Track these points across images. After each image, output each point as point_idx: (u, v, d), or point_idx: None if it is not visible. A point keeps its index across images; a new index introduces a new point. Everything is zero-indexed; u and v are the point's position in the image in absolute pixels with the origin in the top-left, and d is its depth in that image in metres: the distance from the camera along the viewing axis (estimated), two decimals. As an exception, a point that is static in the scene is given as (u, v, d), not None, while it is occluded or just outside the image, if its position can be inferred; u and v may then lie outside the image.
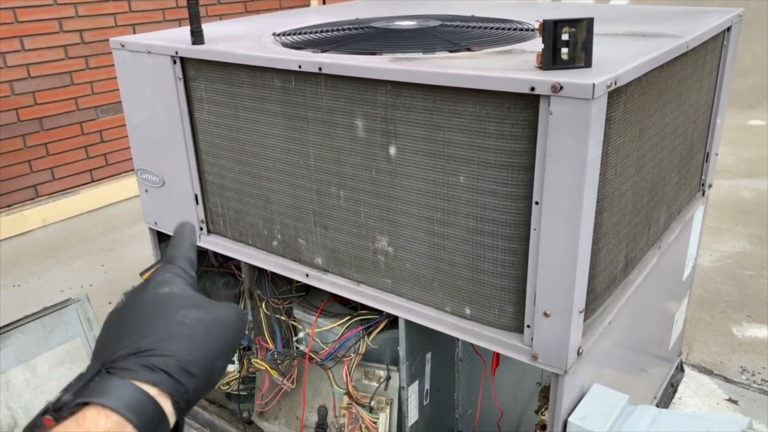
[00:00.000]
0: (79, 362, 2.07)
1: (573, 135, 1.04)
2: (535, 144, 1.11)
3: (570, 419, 1.26)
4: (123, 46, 1.71)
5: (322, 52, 1.41)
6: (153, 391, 0.52)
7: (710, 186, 2.01)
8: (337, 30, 1.67)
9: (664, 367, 2.19)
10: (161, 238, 1.96)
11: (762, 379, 2.50)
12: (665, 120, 1.45)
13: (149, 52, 1.65)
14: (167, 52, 1.60)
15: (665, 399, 2.21)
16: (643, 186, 1.42)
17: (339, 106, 1.35)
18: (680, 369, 2.40)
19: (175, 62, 1.61)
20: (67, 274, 3.51)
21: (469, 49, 1.36)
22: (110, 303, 3.23)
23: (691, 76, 1.56)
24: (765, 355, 2.64)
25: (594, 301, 1.31)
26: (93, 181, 4.20)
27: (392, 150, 1.31)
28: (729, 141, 5.25)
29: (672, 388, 2.30)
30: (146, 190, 1.87)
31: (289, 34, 1.66)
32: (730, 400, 2.39)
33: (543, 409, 1.42)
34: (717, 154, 1.97)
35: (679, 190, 1.74)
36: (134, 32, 4.09)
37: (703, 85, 1.70)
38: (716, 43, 1.72)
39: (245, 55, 1.44)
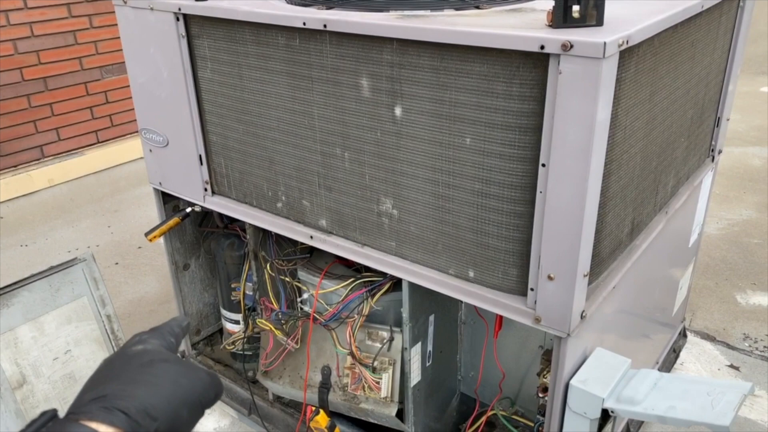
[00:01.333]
0: (86, 320, 2.09)
1: (582, 95, 1.02)
2: (544, 104, 1.08)
3: (572, 382, 1.27)
4: (125, 2, 1.68)
5: (327, 8, 1.38)
6: (109, 431, 0.51)
7: (720, 152, 1.98)
8: (343, -13, 1.63)
9: (667, 332, 2.19)
10: (166, 199, 1.96)
11: (764, 346, 2.51)
12: (677, 83, 1.42)
13: (152, 9, 1.62)
14: (170, 8, 1.57)
15: (667, 364, 2.22)
16: (652, 150, 1.40)
17: (344, 65, 1.33)
18: (683, 335, 2.41)
19: (178, 19, 1.58)
20: (73, 235, 3.53)
21: (477, 7, 1.33)
22: (116, 263, 3.25)
23: (704, 38, 1.53)
24: (768, 322, 2.64)
25: (599, 265, 1.30)
26: (99, 142, 4.19)
27: (398, 110, 1.29)
28: (740, 108, 5.17)
29: (674, 353, 2.31)
30: (150, 150, 1.86)
31: (294, -9, 1.62)
32: (731, 366, 2.40)
33: (545, 372, 1.43)
34: (728, 120, 1.94)
35: (689, 155, 1.71)
36: (138, -9, 4.02)
37: (716, 48, 1.66)
38: (732, 4, 1.68)
39: (248, 11, 1.41)
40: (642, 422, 2.04)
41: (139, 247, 3.38)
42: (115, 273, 3.18)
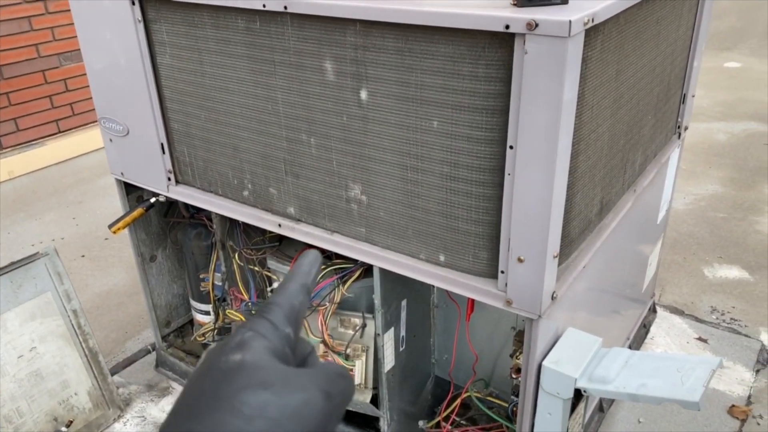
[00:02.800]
0: (51, 316, 2.04)
1: (549, 75, 1.00)
2: (510, 85, 1.07)
3: (544, 363, 1.28)
4: (77, -14, 1.61)
5: (288, -10, 1.34)
6: None
7: (686, 128, 1.99)
8: (305, -32, 1.59)
9: (638, 308, 2.22)
10: (129, 189, 1.90)
11: (731, 318, 2.56)
12: (643, 60, 1.42)
13: (105, -7, 1.55)
14: (124, -8, 1.51)
15: (638, 339, 2.25)
16: (620, 128, 1.39)
17: (307, 48, 1.29)
18: (653, 310, 2.45)
19: (133, 3, 1.52)
20: (37, 228, 3.44)
21: (442, -13, 1.30)
22: (83, 256, 3.18)
23: (669, 15, 1.52)
24: (734, 294, 2.70)
25: (568, 245, 1.30)
26: (59, 132, 4.07)
27: (363, 94, 1.26)
28: (704, 83, 5.24)
29: (645, 329, 2.34)
30: (110, 140, 1.80)
31: (253, -27, 1.57)
32: (699, 339, 2.45)
33: (518, 353, 1.43)
34: (693, 96, 1.95)
35: (655, 133, 1.72)
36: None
37: (681, 25, 1.66)
38: (696, -20, 1.68)
39: (206, -6, 1.37)
40: (614, 400, 2.07)
41: (106, 239, 3.30)
42: (81, 266, 3.11)
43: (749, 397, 2.18)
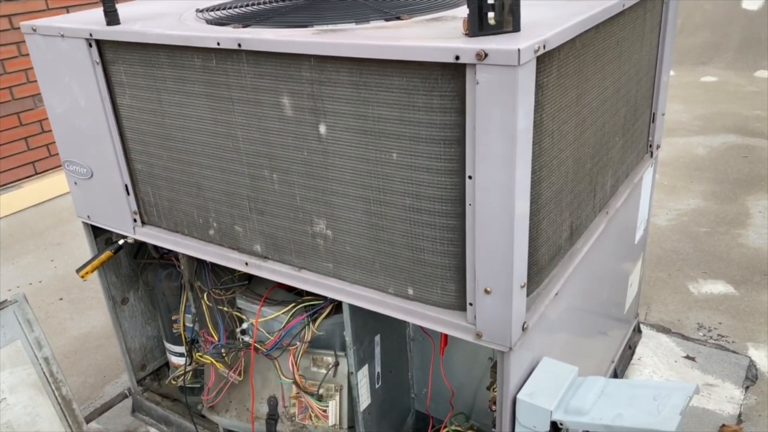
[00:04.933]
0: (21, 365, 1.98)
1: (501, 104, 0.99)
2: (465, 116, 1.05)
3: (519, 396, 1.24)
4: (35, 30, 1.59)
5: (243, 27, 1.33)
6: None
7: (658, 146, 1.98)
8: (265, 3, 1.58)
9: (621, 329, 2.19)
10: (97, 232, 1.87)
11: (718, 334, 2.53)
12: (605, 83, 1.41)
13: (63, 36, 1.54)
14: (81, 34, 1.50)
15: (624, 361, 2.22)
16: (585, 152, 1.38)
17: (263, 84, 1.27)
18: (638, 330, 2.42)
19: (90, 45, 1.50)
20: (14, 272, 3.38)
21: (398, 18, 1.29)
22: (61, 299, 3.12)
23: (630, 36, 1.52)
24: (720, 310, 2.67)
25: (538, 273, 1.27)
26: (36, 174, 4.03)
27: (322, 128, 1.24)
28: (682, 98, 5.29)
29: (630, 350, 2.31)
30: (75, 183, 1.77)
31: (212, 10, 1.57)
32: (687, 357, 2.41)
33: (494, 386, 1.39)
34: (663, 114, 1.95)
35: (625, 153, 1.71)
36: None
37: (644, 45, 1.66)
38: (655, 1, 1.68)
39: (161, 33, 1.35)
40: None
41: (85, 281, 3.24)
42: (59, 309, 3.05)
43: (740, 415, 2.14)
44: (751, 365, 2.35)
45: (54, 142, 4.04)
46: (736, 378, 2.30)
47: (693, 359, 2.40)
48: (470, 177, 1.09)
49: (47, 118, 3.95)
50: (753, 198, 3.62)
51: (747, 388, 2.25)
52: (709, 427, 2.09)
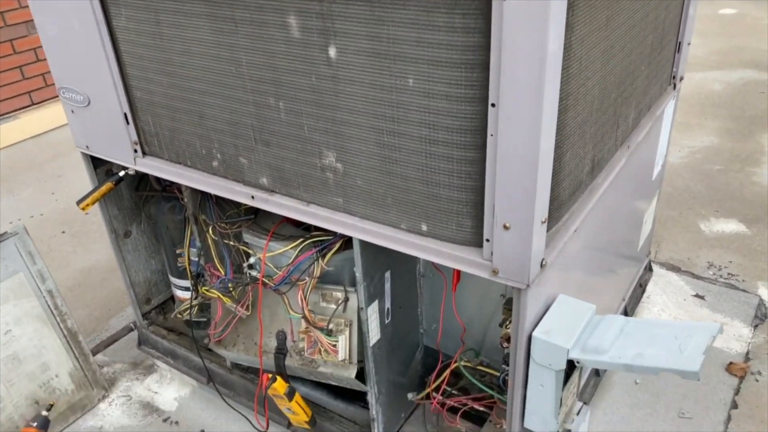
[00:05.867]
0: (25, 298, 1.96)
1: (531, 24, 0.90)
2: (490, 37, 0.97)
3: (535, 334, 1.20)
4: (21, -56, 1.48)
5: (246, -60, 1.22)
6: None
7: (681, 78, 1.89)
8: None
9: (633, 267, 2.16)
10: (97, 163, 1.80)
11: (728, 273, 2.50)
12: (636, 5, 1.31)
13: (51, -50, 1.43)
14: (71, -52, 1.39)
15: (634, 299, 2.19)
16: (611, 80, 1.30)
17: (269, 3, 1.18)
18: (649, 269, 2.38)
19: (81, -39, 1.40)
20: (14, 205, 3.34)
21: (415, -70, 1.18)
22: (63, 232, 3.09)
23: (664, -45, 1.41)
24: (731, 249, 2.64)
25: (558, 208, 1.21)
26: (33, 104, 3.93)
27: (332, 51, 1.15)
28: (699, 32, 5.10)
29: (641, 288, 2.28)
30: (72, 111, 1.70)
31: None
32: (696, 295, 2.39)
33: (507, 322, 1.36)
34: (689, 44, 1.85)
35: (650, 84, 1.62)
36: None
37: (676, -34, 1.55)
38: None
39: (157, -53, 1.24)
40: (610, 360, 2.02)
41: (87, 213, 3.20)
42: (62, 242, 3.02)
43: (747, 353, 2.13)
44: (761, 304, 2.33)
45: (50, 72, 3.92)
46: (745, 316, 2.28)
47: (702, 298, 2.38)
48: (493, 105, 1.01)
49: (42, 46, 3.83)
50: (769, 135, 3.52)
51: (756, 326, 2.24)
52: (717, 364, 2.08)
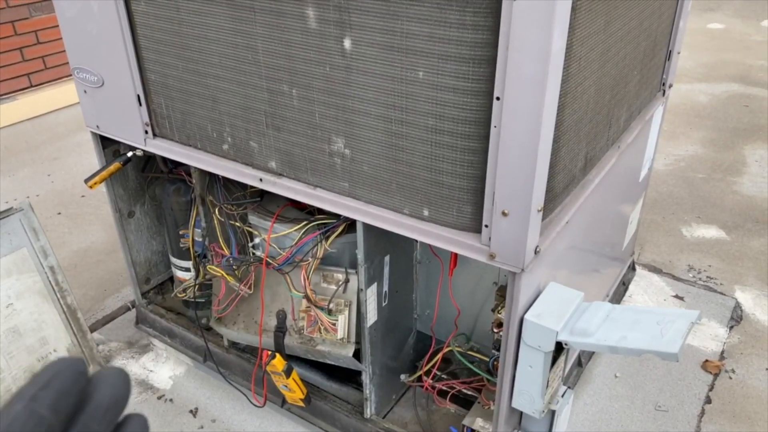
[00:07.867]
0: (27, 273, 2.00)
1: (537, 23, 0.98)
2: (498, 35, 1.04)
3: (526, 316, 1.28)
4: (45, -74, 1.53)
5: (268, -67, 1.28)
6: None
7: (671, 86, 1.98)
8: None
9: (617, 266, 2.25)
10: (105, 143, 1.85)
11: (707, 276, 2.60)
12: (631, 12, 1.39)
13: (75, -66, 1.48)
14: (96, -67, 1.44)
15: (617, 297, 2.28)
16: (606, 82, 1.38)
17: (288, -5, 1.25)
18: (632, 268, 2.48)
19: (105, -55, 1.45)
20: (10, 185, 3.36)
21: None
22: (59, 213, 3.12)
23: (659, -33, 1.50)
24: (711, 253, 2.74)
25: (552, 200, 1.29)
26: (32, 86, 3.95)
27: (347, 43, 1.22)
28: (688, 44, 5.23)
29: (623, 286, 2.38)
30: (85, 91, 1.74)
31: None
32: (676, 296, 2.49)
33: (500, 308, 1.44)
34: (679, 53, 1.94)
35: (641, 89, 1.71)
36: None
37: (670, -22, 1.64)
38: (686, -68, 1.64)
39: (183, -64, 1.30)
40: (593, 353, 2.10)
41: (83, 196, 3.24)
42: (58, 223, 3.06)
43: (722, 352, 2.23)
44: (737, 306, 2.44)
45: (50, 54, 3.95)
46: (721, 318, 2.38)
47: (681, 298, 2.48)
48: (498, 98, 1.09)
49: (43, 29, 3.85)
50: (750, 147, 3.65)
51: (731, 327, 2.34)
52: (693, 362, 2.18)
